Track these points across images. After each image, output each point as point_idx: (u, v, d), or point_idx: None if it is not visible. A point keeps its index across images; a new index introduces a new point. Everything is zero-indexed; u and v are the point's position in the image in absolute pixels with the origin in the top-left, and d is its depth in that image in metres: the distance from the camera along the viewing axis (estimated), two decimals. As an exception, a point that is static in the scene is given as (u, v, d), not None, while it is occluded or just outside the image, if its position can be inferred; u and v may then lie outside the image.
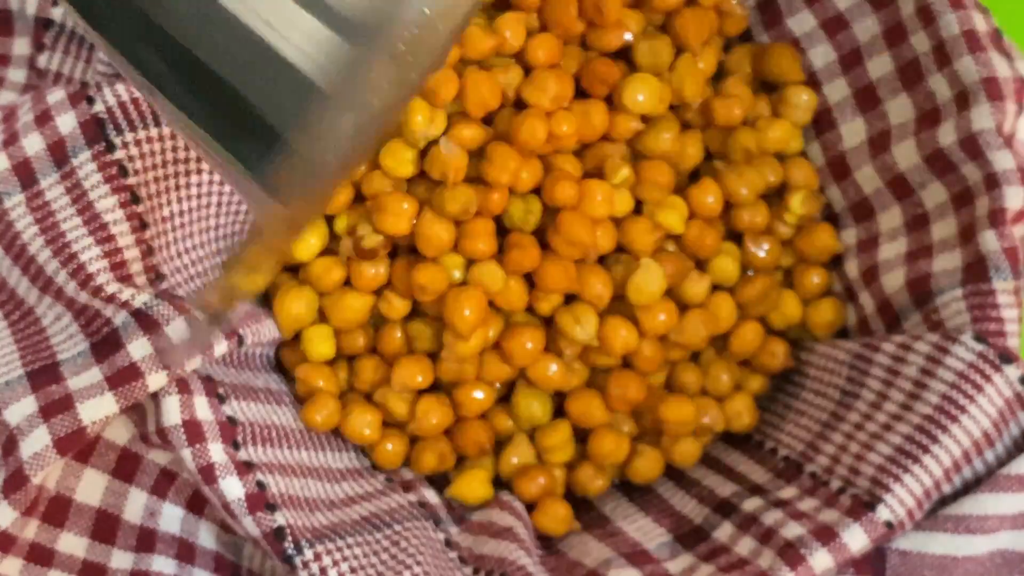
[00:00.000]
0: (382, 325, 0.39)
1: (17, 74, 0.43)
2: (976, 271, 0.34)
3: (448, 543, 0.37)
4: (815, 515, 0.33)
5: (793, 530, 0.32)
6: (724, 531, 0.35)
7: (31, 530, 0.34)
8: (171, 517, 0.36)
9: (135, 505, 0.36)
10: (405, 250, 0.39)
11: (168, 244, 0.37)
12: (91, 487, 0.35)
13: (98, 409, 0.32)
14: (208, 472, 0.33)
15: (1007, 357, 0.32)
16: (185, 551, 0.36)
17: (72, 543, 0.35)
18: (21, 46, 0.43)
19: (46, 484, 0.34)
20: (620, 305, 0.38)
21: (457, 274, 0.37)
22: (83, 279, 0.34)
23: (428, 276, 0.37)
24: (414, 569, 0.34)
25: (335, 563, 0.33)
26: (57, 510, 0.35)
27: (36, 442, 0.32)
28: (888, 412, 0.34)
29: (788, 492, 0.35)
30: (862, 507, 0.32)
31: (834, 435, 0.35)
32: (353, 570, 0.33)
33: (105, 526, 0.36)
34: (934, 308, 0.35)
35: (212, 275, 0.39)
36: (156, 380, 0.33)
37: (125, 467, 0.36)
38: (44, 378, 0.34)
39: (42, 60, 0.41)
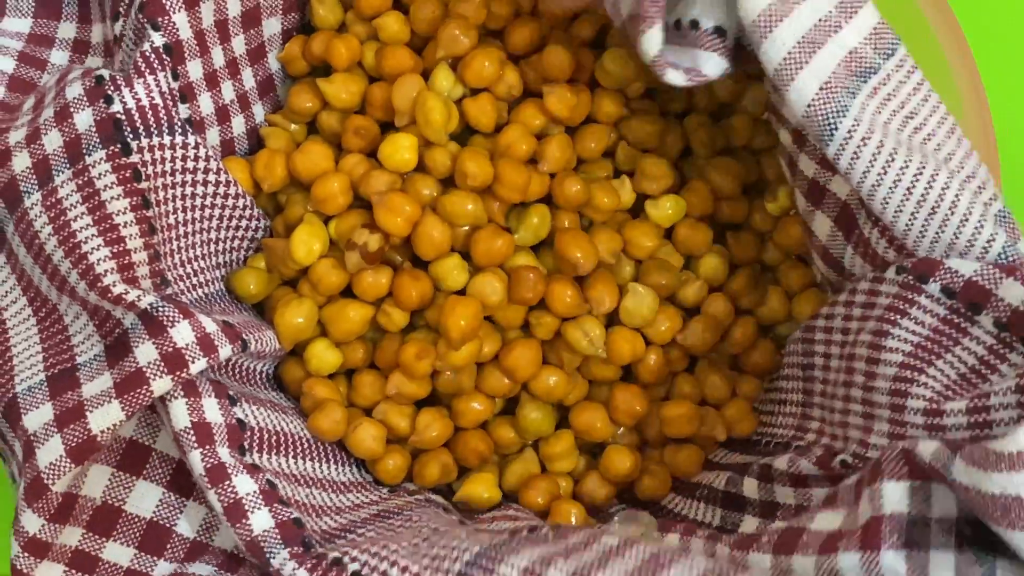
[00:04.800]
0: (380, 339, 0.39)
1: (60, 56, 0.42)
2: None
3: (462, 523, 0.36)
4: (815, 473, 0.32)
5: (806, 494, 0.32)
6: (749, 525, 0.35)
7: (74, 538, 0.34)
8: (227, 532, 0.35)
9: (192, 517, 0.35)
10: (407, 263, 0.39)
11: (172, 252, 0.37)
12: (144, 497, 0.35)
13: (106, 417, 0.32)
14: (218, 471, 0.32)
15: (924, 276, 0.31)
16: (229, 560, 0.35)
17: (118, 553, 0.34)
18: (66, 30, 0.42)
19: (90, 493, 0.34)
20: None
21: (457, 280, 0.38)
22: (92, 279, 0.34)
23: (440, 271, 0.37)
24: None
25: (354, 546, 0.32)
26: (104, 519, 0.34)
27: (51, 452, 0.32)
28: (838, 368, 0.34)
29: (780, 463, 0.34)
30: (830, 457, 0.32)
31: (812, 411, 0.36)
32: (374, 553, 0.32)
33: (154, 536, 0.35)
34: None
35: (213, 287, 0.39)
36: (161, 385, 0.32)
37: (181, 479, 0.35)
38: (62, 384, 0.33)
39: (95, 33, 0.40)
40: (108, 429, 0.32)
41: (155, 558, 0.35)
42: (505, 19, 0.39)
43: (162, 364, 0.32)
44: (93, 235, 0.34)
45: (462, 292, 0.38)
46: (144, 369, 0.32)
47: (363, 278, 0.38)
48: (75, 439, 0.32)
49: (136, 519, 0.35)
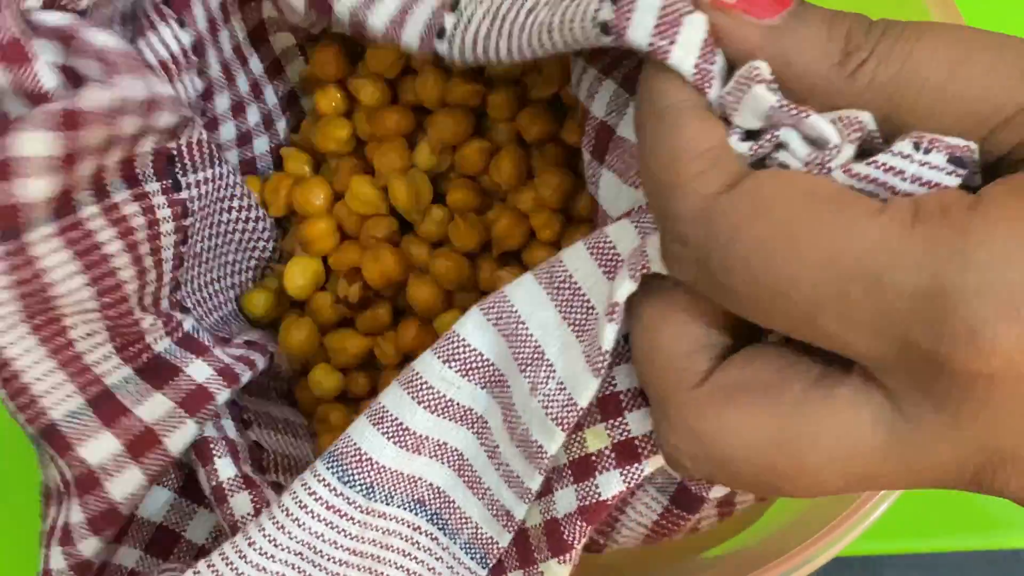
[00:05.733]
0: (382, 369, 0.41)
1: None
2: None
3: None
4: None
5: None
6: None
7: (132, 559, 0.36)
8: None
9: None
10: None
11: (192, 279, 0.38)
12: (155, 501, 0.36)
13: (183, 438, 0.33)
14: (246, 480, 0.34)
15: None
16: None
17: (124, 554, 0.36)
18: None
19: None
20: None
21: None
22: (124, 309, 0.33)
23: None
24: None
25: None
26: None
27: (129, 483, 0.33)
28: None
29: None
30: None
31: None
32: None
33: (162, 541, 0.36)
34: None
35: (227, 308, 0.40)
36: (224, 396, 0.34)
37: (193, 486, 0.37)
38: (107, 409, 0.33)
39: None
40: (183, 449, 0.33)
41: (160, 561, 0.36)
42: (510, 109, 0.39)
43: (220, 379, 0.34)
44: (128, 263, 0.33)
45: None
46: (205, 385, 0.34)
47: (364, 313, 0.40)
48: (155, 466, 0.33)
49: (146, 523, 0.36)
